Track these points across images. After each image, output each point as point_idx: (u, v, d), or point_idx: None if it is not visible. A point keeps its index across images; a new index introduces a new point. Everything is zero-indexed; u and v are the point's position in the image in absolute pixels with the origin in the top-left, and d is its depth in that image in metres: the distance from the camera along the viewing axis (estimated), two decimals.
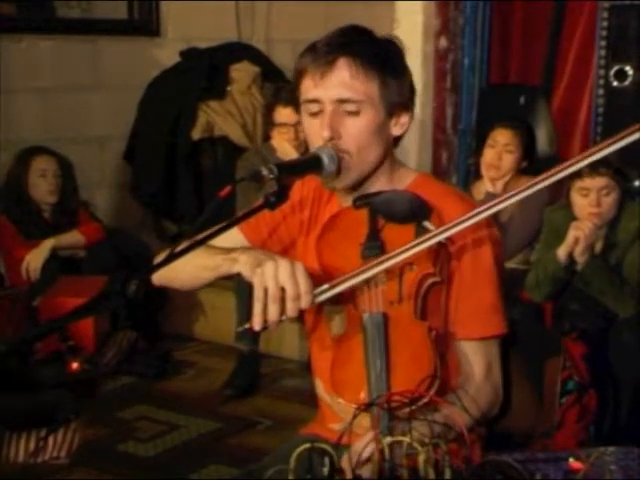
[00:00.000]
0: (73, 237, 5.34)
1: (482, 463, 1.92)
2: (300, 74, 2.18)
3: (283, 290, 2.00)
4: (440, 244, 2.11)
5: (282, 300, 2.00)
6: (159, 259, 1.91)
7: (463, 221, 2.02)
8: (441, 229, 2.04)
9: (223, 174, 5.70)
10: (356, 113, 2.14)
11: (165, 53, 6.20)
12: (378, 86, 2.15)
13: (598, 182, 4.03)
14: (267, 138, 5.20)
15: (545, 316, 4.13)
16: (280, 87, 5.37)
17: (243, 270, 2.07)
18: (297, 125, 4.88)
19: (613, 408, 3.96)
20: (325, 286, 2.05)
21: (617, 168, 4.05)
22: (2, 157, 5.42)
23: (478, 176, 5.12)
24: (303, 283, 2.00)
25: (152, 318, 5.58)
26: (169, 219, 6.21)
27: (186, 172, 5.96)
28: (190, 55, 6.16)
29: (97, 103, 6.05)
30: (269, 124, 5.07)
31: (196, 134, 5.92)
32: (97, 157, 6.09)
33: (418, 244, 2.02)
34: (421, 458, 1.82)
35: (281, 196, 2.03)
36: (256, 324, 2.05)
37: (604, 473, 1.80)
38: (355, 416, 1.90)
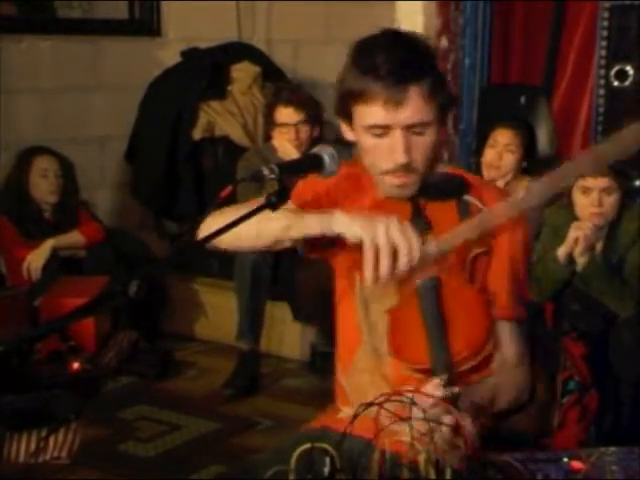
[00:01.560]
0: (73, 237, 5.34)
1: (482, 462, 1.93)
2: (364, 98, 2.19)
3: (394, 245, 2.05)
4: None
5: (394, 255, 2.05)
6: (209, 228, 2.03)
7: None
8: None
9: (224, 174, 5.70)
10: (422, 133, 2.21)
11: (166, 53, 6.21)
12: (436, 104, 2.21)
13: (600, 182, 4.03)
14: (268, 138, 5.20)
15: (545, 316, 4.13)
16: (281, 87, 5.37)
17: (347, 229, 2.11)
18: (298, 125, 4.89)
19: (614, 408, 3.96)
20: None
21: (619, 169, 4.05)
22: (3, 157, 5.43)
23: (479, 176, 5.12)
24: (414, 237, 2.06)
25: (153, 318, 5.59)
26: (169, 219, 6.21)
27: (187, 172, 5.96)
28: (191, 55, 6.16)
29: (98, 103, 6.06)
30: (270, 124, 5.07)
31: (197, 134, 5.93)
32: (98, 157, 6.10)
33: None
34: (422, 457, 1.83)
35: (282, 196, 2.04)
36: (369, 279, 2.08)
37: (605, 473, 1.80)
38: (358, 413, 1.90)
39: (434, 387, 2.03)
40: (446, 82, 2.30)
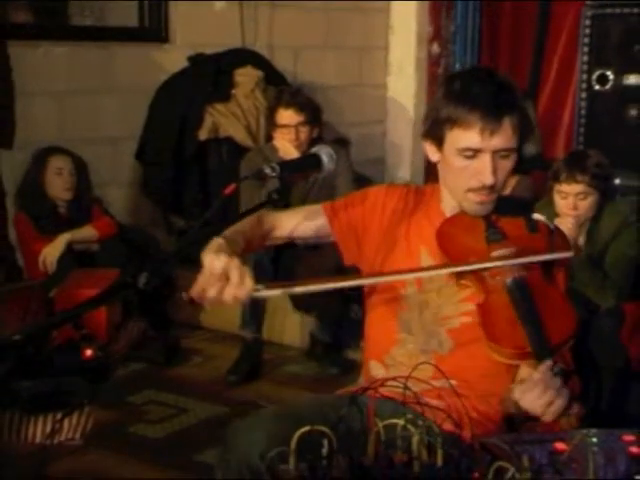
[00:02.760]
0: (87, 232, 5.33)
1: (472, 444, 1.93)
2: (461, 124, 2.29)
3: (227, 277, 2.14)
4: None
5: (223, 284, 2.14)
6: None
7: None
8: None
9: (228, 173, 5.69)
10: (507, 157, 2.32)
11: (173, 58, 6.19)
12: (518, 132, 2.32)
13: (574, 188, 4.03)
14: (269, 139, 5.19)
15: None
16: (282, 90, 5.35)
17: (204, 251, 2.20)
18: (298, 126, 4.87)
19: (595, 393, 3.96)
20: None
21: (594, 173, 4.04)
22: (20, 156, 5.41)
23: None
24: (247, 279, 2.15)
25: (161, 308, 5.58)
26: (177, 215, 6.20)
27: (193, 171, 5.96)
28: (197, 60, 6.15)
29: (109, 105, 6.04)
30: (271, 125, 5.06)
31: (202, 135, 5.92)
32: (110, 156, 6.08)
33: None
34: (415, 440, 1.82)
35: (284, 193, 2.04)
36: (193, 293, 2.16)
37: (587, 454, 1.80)
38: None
39: (546, 368, 2.07)
40: (529, 118, 2.42)
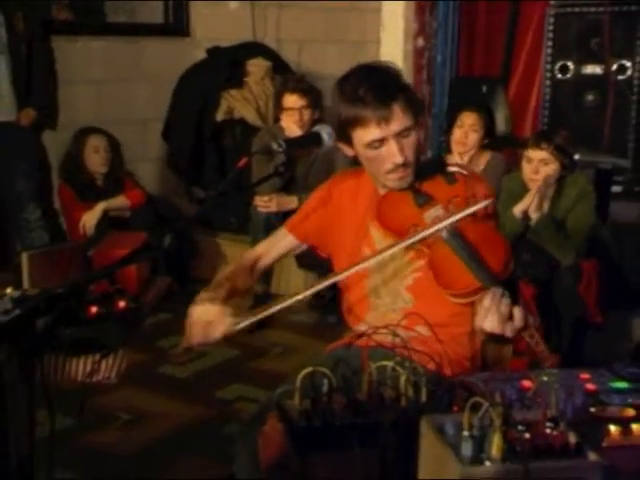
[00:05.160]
0: (120, 201, 5.33)
1: (452, 382, 1.92)
2: (359, 123, 2.25)
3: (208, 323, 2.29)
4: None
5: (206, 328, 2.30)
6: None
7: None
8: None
9: (241, 149, 5.68)
10: (408, 135, 2.26)
11: (194, 51, 6.18)
12: (412, 112, 2.26)
13: (538, 154, 4.04)
14: (277, 120, 5.15)
15: None
16: (288, 78, 5.32)
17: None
18: (301, 109, 4.84)
19: (556, 338, 3.97)
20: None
21: (558, 145, 4.04)
22: (62, 136, 5.41)
23: (449, 151, 5.08)
24: (227, 317, 2.30)
25: (184, 266, 5.59)
26: (197, 186, 6.20)
27: (211, 148, 5.96)
28: (214, 52, 6.13)
29: (139, 91, 6.03)
30: (278, 108, 5.02)
31: (219, 116, 5.91)
32: (140, 136, 6.07)
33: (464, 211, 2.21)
34: (402, 379, 1.82)
35: (289, 166, 2.03)
36: (184, 344, 2.35)
37: (550, 390, 1.79)
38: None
39: (492, 293, 2.05)
40: (415, 94, 2.35)
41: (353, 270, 2.31)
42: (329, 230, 2.52)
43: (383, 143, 2.24)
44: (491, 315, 2.03)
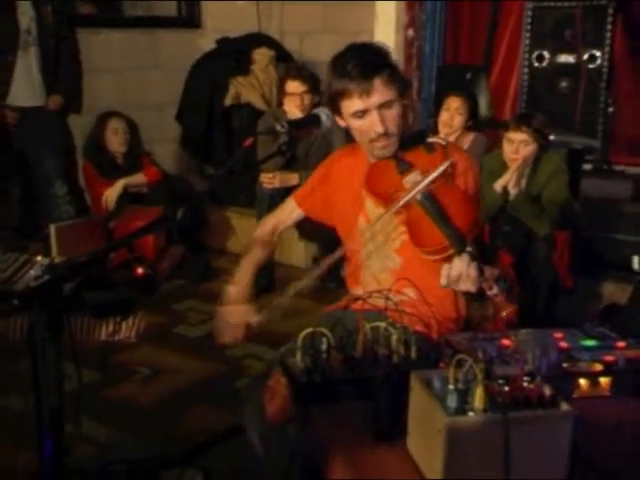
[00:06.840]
0: (139, 178, 5.32)
1: (439, 341, 1.92)
2: (345, 95, 2.26)
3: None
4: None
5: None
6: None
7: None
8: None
9: (247, 130, 5.67)
10: (390, 107, 2.25)
11: (205, 41, 6.16)
12: (396, 87, 2.25)
13: (519, 136, 4.02)
14: (280, 104, 5.12)
15: (484, 235, 4.12)
16: (290, 66, 5.29)
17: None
18: (302, 94, 4.81)
19: (532, 301, 3.97)
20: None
21: (536, 128, 4.02)
22: (86, 119, 5.39)
23: (436, 132, 5.06)
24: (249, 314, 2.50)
25: (196, 236, 5.59)
26: (208, 164, 6.19)
27: (220, 129, 5.94)
28: (223, 42, 6.10)
29: (155, 78, 6.02)
30: (281, 93, 5.00)
31: (227, 101, 5.88)
32: (156, 119, 6.05)
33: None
34: (394, 338, 1.82)
35: (291, 146, 2.02)
36: (219, 343, 2.57)
37: (527, 348, 1.79)
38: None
39: (461, 261, 2.03)
40: (399, 71, 2.32)
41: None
42: (332, 205, 2.53)
43: (366, 114, 2.25)
44: (463, 280, 2.02)
